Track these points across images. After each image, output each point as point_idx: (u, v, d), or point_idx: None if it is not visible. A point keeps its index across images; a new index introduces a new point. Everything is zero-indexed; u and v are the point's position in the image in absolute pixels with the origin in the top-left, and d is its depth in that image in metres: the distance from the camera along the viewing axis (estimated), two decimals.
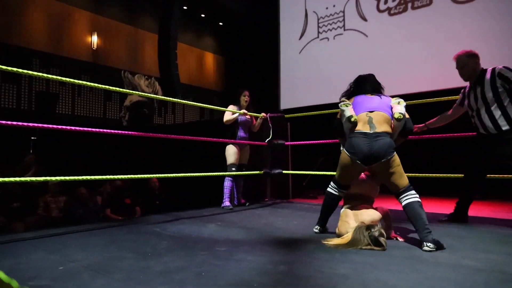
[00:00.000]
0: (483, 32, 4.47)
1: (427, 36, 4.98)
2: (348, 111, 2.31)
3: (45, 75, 2.50)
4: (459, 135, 3.34)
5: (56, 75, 2.61)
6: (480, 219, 3.16)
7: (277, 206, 4.21)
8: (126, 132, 3.14)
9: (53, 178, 2.54)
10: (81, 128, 2.74)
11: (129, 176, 2.99)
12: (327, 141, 4.33)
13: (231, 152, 3.98)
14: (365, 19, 5.78)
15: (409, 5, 5.25)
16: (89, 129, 2.79)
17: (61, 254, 1.96)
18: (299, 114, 4.65)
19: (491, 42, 4.37)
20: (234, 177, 4.00)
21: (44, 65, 6.64)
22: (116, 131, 3.00)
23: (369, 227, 2.08)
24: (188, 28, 9.24)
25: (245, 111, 4.00)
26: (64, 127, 2.63)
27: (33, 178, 2.45)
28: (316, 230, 2.50)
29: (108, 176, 2.84)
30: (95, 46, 7.41)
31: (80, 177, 2.61)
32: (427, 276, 1.56)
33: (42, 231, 2.55)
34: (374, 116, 2.26)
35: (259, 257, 1.88)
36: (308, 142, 4.35)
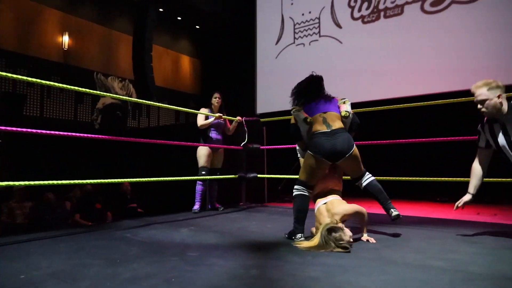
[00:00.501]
0: (450, 41, 4.66)
1: (399, 43, 5.14)
2: (302, 114, 2.49)
3: (9, 75, 2.39)
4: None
5: (24, 76, 2.51)
6: (446, 221, 3.27)
7: (252, 210, 4.20)
8: (97, 136, 3.05)
9: (17, 183, 2.42)
10: (50, 132, 2.64)
11: (99, 180, 2.90)
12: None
13: (201, 154, 3.94)
14: (339, 26, 5.90)
15: (382, 14, 5.40)
16: (59, 132, 2.69)
17: (23, 262, 1.87)
18: (275, 118, 4.66)
19: (458, 51, 4.56)
20: (206, 181, 3.96)
21: (10, 65, 6.38)
22: (87, 135, 2.91)
23: (330, 230, 2.08)
24: (164, 30, 9.13)
25: (220, 114, 3.99)
26: (31, 130, 2.51)
27: None
28: (302, 239, 2.30)
29: (77, 181, 2.74)
30: (66, 47, 7.19)
31: (47, 182, 2.51)
32: (396, 277, 1.59)
33: (4, 239, 2.43)
34: (327, 116, 2.46)
35: (231, 261, 1.86)
36: (283, 146, 4.37)
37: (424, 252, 2.03)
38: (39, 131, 2.56)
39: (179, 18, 9.19)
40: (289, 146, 4.43)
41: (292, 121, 2.60)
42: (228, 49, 9.08)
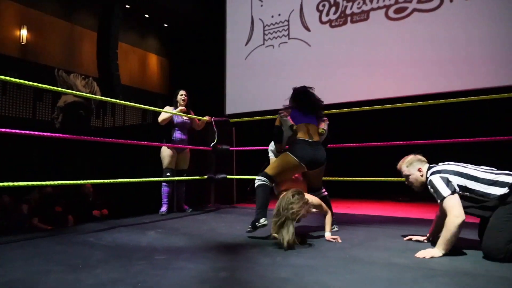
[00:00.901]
0: (412, 47, 4.86)
1: (365, 47, 5.30)
2: (289, 121, 2.69)
3: None
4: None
5: None
6: (409, 220, 3.40)
7: (221, 211, 4.17)
8: (56, 134, 2.90)
9: None
10: (4, 130, 2.47)
11: (60, 182, 2.75)
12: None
13: (164, 155, 3.83)
14: (308, 29, 6.00)
15: (349, 19, 5.55)
16: (16, 130, 2.52)
17: None
18: (245, 119, 4.66)
19: (420, 57, 4.77)
20: (172, 182, 3.87)
21: None
22: (45, 134, 2.76)
23: (294, 192, 2.27)
24: (130, 27, 8.87)
25: (184, 108, 3.89)
26: None
27: None
28: (265, 222, 2.46)
29: (35, 182, 2.59)
30: (24, 41, 6.80)
31: (2, 184, 2.35)
32: (362, 276, 1.63)
33: None
34: (310, 127, 2.69)
35: (200, 264, 1.83)
36: (253, 148, 4.37)
37: (389, 251, 2.09)
38: None
39: (146, 15, 8.97)
40: (258, 148, 4.45)
41: (277, 123, 2.78)
42: (197, 48, 8.96)
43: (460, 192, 1.95)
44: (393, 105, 3.66)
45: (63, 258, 1.96)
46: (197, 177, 4.27)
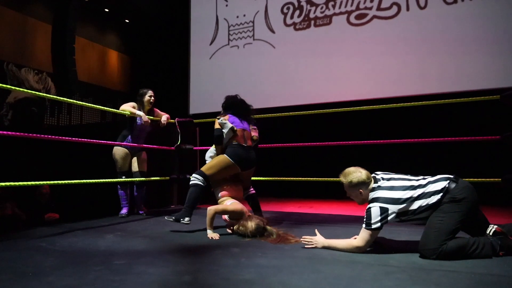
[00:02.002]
0: (372, 51, 5.05)
1: (328, 51, 5.44)
2: (229, 124, 2.92)
3: None
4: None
5: None
6: None
7: None
8: (5, 132, 2.70)
9: None
10: None
11: (7, 183, 2.56)
12: None
13: (117, 158, 3.63)
14: (273, 31, 6.05)
15: (312, 22, 5.66)
16: None
17: None
18: (209, 119, 4.59)
19: (379, 61, 4.96)
20: (127, 184, 3.70)
21: None
22: None
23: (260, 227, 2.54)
24: (89, 21, 8.48)
25: (147, 120, 3.66)
26: None
27: None
28: (189, 222, 2.75)
29: None
30: None
31: None
32: (326, 275, 1.65)
33: None
34: (245, 133, 3.01)
35: (162, 268, 1.77)
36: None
37: None
38: None
39: (106, 10, 8.61)
40: None
41: (217, 126, 2.96)
42: (160, 46, 8.74)
43: (397, 218, 2.06)
44: (350, 108, 3.82)
45: (10, 266, 1.82)
46: (161, 177, 4.16)
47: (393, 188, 2.08)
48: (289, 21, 5.89)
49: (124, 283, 1.53)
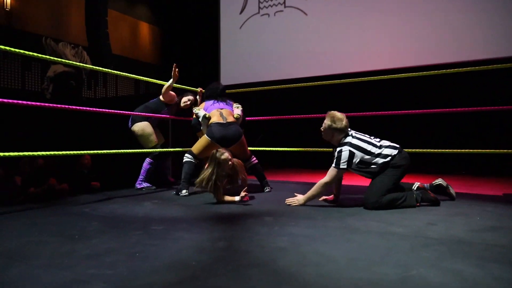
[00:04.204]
0: (411, 19, 4.74)
1: (363, 17, 5.16)
2: (202, 111, 3.27)
3: None
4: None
5: None
6: None
7: None
8: (44, 104, 2.81)
9: None
10: None
11: (51, 152, 2.70)
12: (268, 117, 4.34)
13: (150, 132, 3.62)
14: None
15: None
16: (7, 100, 2.43)
17: None
18: (240, 90, 4.57)
19: (419, 26, 4.66)
20: (159, 158, 3.74)
21: None
22: (35, 103, 2.67)
23: (218, 150, 2.73)
24: None
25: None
26: None
27: None
28: (186, 194, 3.09)
29: (27, 153, 2.53)
30: (8, 7, 6.49)
31: None
32: (359, 245, 1.63)
33: None
34: (224, 111, 3.25)
35: (197, 234, 1.82)
36: (248, 118, 4.31)
37: (385, 220, 2.11)
38: None
39: None
40: (253, 118, 4.40)
41: (193, 115, 3.39)
42: (190, 17, 8.67)
43: (357, 164, 2.51)
44: (387, 76, 3.60)
45: (58, 229, 1.94)
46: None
47: (362, 140, 2.54)
48: None
49: (162, 248, 1.59)
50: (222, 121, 3.14)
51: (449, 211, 2.37)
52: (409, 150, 3.32)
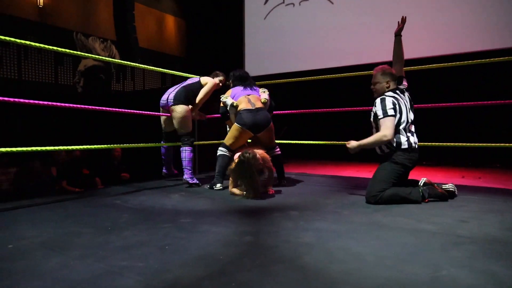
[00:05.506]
0: (436, 7, 4.53)
1: (392, 6, 4.98)
2: (229, 100, 3.18)
3: None
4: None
5: None
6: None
7: None
8: (76, 105, 2.91)
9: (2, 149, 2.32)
10: (28, 101, 2.47)
11: (84, 146, 2.81)
12: (291, 111, 4.31)
13: (189, 116, 3.36)
14: None
15: None
16: (37, 101, 2.52)
17: (10, 231, 1.82)
18: (265, 82, 4.54)
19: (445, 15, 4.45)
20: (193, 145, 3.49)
21: None
22: (63, 104, 2.77)
23: (244, 152, 2.64)
24: None
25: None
26: (7, 99, 2.34)
27: None
28: (221, 187, 3.04)
29: (62, 147, 2.65)
30: (41, 4, 6.73)
31: (31, 148, 2.41)
32: (387, 242, 1.61)
33: None
34: (251, 97, 3.17)
35: (224, 228, 1.86)
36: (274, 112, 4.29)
37: (414, 216, 2.06)
38: (16, 100, 2.40)
39: None
40: (278, 112, 4.38)
41: (221, 104, 3.27)
42: (215, 9, 8.68)
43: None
44: (423, 67, 3.47)
45: (92, 220, 2.03)
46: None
47: (399, 104, 2.47)
48: None
49: (191, 241, 1.63)
50: (251, 107, 3.07)
51: (482, 208, 2.29)
52: (442, 144, 3.22)
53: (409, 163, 2.47)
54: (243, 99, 3.15)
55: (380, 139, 2.40)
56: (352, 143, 2.51)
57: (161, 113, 3.50)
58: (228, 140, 3.15)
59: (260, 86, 3.47)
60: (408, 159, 2.46)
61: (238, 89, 3.28)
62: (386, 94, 2.51)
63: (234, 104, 3.12)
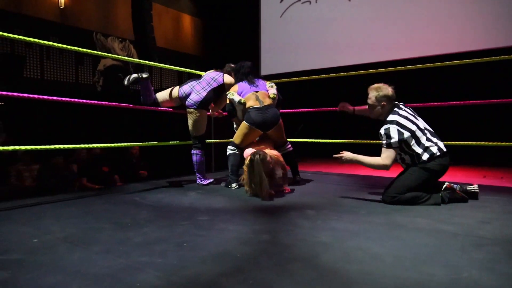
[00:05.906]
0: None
1: (412, 0, 4.89)
2: (237, 97, 3.08)
3: (10, 35, 2.29)
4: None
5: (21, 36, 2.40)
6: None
7: None
8: (95, 102, 2.99)
9: (23, 148, 2.40)
10: (51, 97, 2.56)
11: (104, 145, 2.88)
12: (308, 109, 4.29)
13: (205, 121, 3.31)
14: None
15: None
16: (60, 98, 2.61)
17: (34, 226, 1.89)
18: (281, 80, 4.54)
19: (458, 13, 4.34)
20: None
21: (5, 25, 6.15)
22: (84, 101, 2.84)
23: (254, 153, 2.58)
24: None
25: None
26: (32, 95, 2.45)
27: (5, 148, 2.31)
28: (236, 187, 3.03)
29: (83, 145, 2.72)
30: (62, 5, 6.90)
31: (53, 146, 2.48)
32: (406, 242, 1.59)
33: (14, 202, 2.45)
34: (259, 94, 3.09)
35: (241, 226, 1.87)
36: (289, 110, 4.29)
37: (433, 217, 2.03)
38: (41, 96, 2.50)
39: None
40: (294, 110, 4.37)
41: (228, 101, 3.20)
42: (231, 7, 8.70)
43: (402, 146, 2.37)
44: (436, 64, 3.39)
45: (112, 217, 2.08)
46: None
47: (407, 119, 2.38)
48: None
49: (208, 238, 1.65)
50: (259, 105, 3.01)
51: (504, 209, 2.23)
52: (463, 143, 3.15)
53: (439, 169, 2.37)
54: (251, 96, 3.08)
55: (378, 166, 2.35)
56: (347, 155, 2.43)
57: (170, 109, 3.49)
58: (237, 138, 3.13)
59: (276, 84, 3.42)
60: (439, 164, 2.36)
61: (245, 85, 3.18)
62: (389, 119, 2.41)
63: (242, 101, 3.05)
